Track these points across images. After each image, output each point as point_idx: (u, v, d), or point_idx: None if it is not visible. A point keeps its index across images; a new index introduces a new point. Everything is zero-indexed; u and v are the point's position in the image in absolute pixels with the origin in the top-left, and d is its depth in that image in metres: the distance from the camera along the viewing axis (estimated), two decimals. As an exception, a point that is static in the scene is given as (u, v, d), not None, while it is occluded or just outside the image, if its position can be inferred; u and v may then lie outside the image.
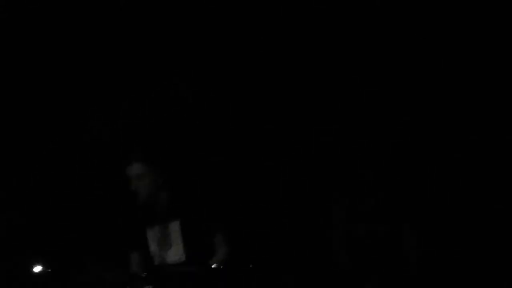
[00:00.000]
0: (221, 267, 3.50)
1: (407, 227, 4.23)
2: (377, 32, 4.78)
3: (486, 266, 4.50)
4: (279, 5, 4.84)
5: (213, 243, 3.62)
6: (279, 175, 4.83)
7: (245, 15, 4.85)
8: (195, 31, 4.90)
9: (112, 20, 4.86)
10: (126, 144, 4.81)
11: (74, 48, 4.87)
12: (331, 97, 4.84)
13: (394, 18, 4.76)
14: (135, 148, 3.83)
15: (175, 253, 3.63)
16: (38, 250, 4.57)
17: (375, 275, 4.24)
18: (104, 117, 4.86)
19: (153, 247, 3.68)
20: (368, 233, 4.25)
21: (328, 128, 4.81)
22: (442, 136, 4.72)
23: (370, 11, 4.77)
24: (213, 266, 3.52)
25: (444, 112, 4.72)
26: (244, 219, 4.62)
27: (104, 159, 4.78)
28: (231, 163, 4.84)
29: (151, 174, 3.64)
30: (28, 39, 4.83)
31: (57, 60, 4.86)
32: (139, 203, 3.64)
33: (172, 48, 4.90)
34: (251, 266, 3.60)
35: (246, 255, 3.78)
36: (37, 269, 3.86)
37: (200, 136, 4.86)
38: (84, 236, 4.75)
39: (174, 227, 3.65)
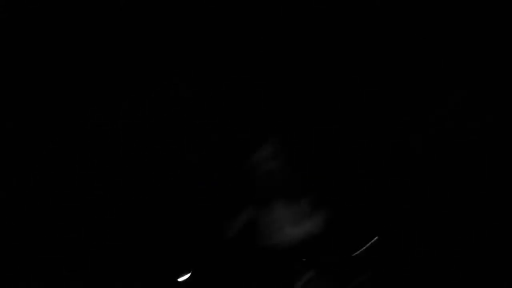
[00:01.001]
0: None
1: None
2: (377, 32, 4.79)
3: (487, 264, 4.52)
4: (279, 5, 4.85)
5: None
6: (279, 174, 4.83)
7: (245, 15, 4.86)
8: (195, 31, 4.90)
9: (112, 20, 4.87)
10: (126, 144, 4.83)
11: (74, 48, 4.87)
12: (331, 97, 4.85)
13: (394, 18, 4.77)
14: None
15: (303, 231, 3.50)
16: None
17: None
18: (104, 117, 4.86)
19: (277, 221, 3.54)
20: None
21: (328, 128, 4.82)
22: (442, 138, 4.73)
23: (370, 11, 4.78)
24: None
25: (444, 112, 4.73)
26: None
27: (104, 159, 4.79)
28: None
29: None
30: (27, 38, 4.83)
31: (56, 60, 4.86)
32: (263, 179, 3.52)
33: (172, 48, 4.91)
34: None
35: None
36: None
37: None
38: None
39: (305, 204, 3.51)
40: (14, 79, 4.82)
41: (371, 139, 4.77)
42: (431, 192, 4.68)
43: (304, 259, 3.60)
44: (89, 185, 4.78)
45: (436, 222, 4.62)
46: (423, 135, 4.73)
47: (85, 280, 4.54)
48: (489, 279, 4.42)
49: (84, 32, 4.86)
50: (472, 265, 4.50)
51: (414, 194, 4.62)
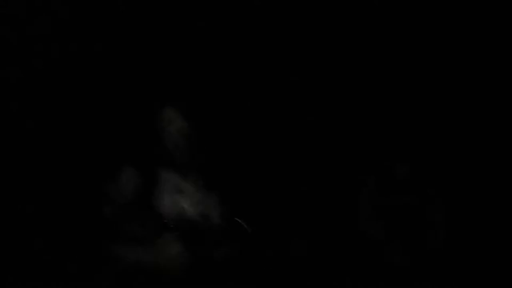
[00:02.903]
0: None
1: (435, 199, 4.33)
2: (377, 32, 4.80)
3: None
4: (278, 5, 4.85)
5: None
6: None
7: (245, 14, 4.86)
8: (195, 31, 4.90)
9: (112, 20, 4.87)
10: (127, 143, 4.81)
11: (74, 48, 4.86)
12: (331, 97, 4.86)
13: (394, 18, 4.78)
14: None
15: (192, 204, 3.60)
16: None
17: (398, 243, 4.34)
18: (104, 116, 4.85)
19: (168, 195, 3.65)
20: (395, 204, 4.43)
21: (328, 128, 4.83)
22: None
23: (370, 11, 4.80)
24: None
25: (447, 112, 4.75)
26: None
27: (105, 156, 4.77)
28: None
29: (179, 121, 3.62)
30: (28, 38, 4.83)
31: (57, 60, 4.86)
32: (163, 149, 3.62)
33: (172, 48, 4.90)
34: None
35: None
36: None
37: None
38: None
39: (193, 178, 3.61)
40: (15, 79, 4.81)
41: (371, 139, 4.78)
42: (431, 192, 4.69)
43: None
44: (89, 185, 4.77)
45: (436, 222, 4.63)
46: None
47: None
48: (489, 279, 4.43)
49: (84, 32, 4.86)
50: (472, 265, 4.51)
51: (414, 194, 4.63)
